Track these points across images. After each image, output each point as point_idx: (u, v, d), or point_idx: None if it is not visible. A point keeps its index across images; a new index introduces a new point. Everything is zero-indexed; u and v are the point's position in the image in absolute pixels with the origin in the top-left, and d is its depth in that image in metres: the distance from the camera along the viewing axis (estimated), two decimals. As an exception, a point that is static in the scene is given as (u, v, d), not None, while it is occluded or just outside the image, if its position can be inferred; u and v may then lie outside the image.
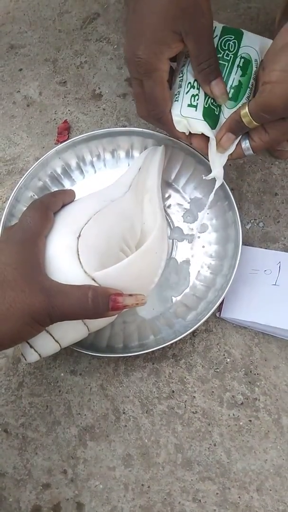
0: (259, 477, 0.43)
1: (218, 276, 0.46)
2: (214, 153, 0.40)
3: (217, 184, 0.42)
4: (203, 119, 0.39)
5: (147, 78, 0.38)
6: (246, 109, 0.36)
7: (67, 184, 0.51)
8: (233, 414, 0.44)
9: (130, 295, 0.35)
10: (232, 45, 0.39)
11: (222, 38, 0.39)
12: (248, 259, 0.48)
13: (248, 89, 0.39)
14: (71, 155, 0.51)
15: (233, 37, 0.40)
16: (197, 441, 0.44)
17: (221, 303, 0.47)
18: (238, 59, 0.39)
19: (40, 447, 0.45)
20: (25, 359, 0.37)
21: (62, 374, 0.47)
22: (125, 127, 0.56)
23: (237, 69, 0.39)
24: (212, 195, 0.43)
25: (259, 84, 0.38)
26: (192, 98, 0.39)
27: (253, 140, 0.38)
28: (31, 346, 0.37)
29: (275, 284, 0.46)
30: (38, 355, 0.37)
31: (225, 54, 0.39)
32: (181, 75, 0.40)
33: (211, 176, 0.41)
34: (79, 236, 0.37)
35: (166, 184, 0.50)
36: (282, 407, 0.44)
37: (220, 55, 0.39)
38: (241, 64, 0.39)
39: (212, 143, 0.40)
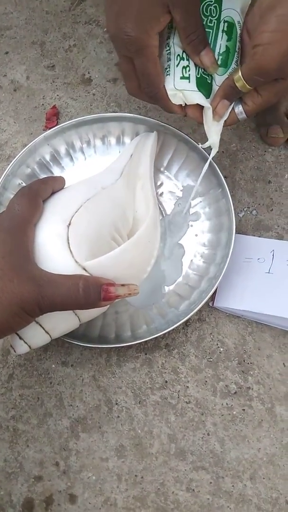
0: (252, 466, 0.43)
1: (211, 265, 0.46)
2: (210, 122, 0.40)
3: (213, 153, 0.42)
4: (197, 89, 0.39)
5: (139, 55, 0.37)
6: (239, 74, 0.36)
7: (56, 171, 0.50)
8: (227, 404, 0.44)
9: (123, 285, 0.34)
10: (213, 10, 0.38)
11: (203, 3, 0.38)
12: (242, 248, 0.47)
13: (236, 53, 0.39)
14: (60, 141, 0.49)
15: (213, 1, 0.38)
16: (190, 431, 0.44)
17: (214, 293, 0.46)
18: (221, 24, 0.38)
19: (31, 439, 0.44)
20: (15, 351, 0.36)
21: (53, 366, 0.46)
22: (115, 112, 0.54)
23: (222, 34, 0.38)
24: (207, 164, 0.43)
25: (245, 46, 0.38)
26: (184, 70, 0.39)
27: (246, 104, 0.38)
28: (20, 338, 0.36)
29: (268, 272, 0.46)
30: (28, 347, 0.36)
31: (208, 20, 0.38)
32: (167, 48, 0.39)
33: (207, 144, 0.41)
34: (70, 224, 0.36)
35: (158, 171, 0.49)
36: (276, 396, 0.44)
37: (204, 22, 0.38)
38: (225, 29, 0.38)
39: (208, 112, 0.39)
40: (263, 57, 0.33)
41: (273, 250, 0.47)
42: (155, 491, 0.42)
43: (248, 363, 0.45)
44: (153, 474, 0.43)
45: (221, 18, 0.38)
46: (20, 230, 0.34)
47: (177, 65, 0.39)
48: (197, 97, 0.39)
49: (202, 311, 0.47)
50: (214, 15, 0.38)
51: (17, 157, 0.48)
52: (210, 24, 0.38)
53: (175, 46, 0.39)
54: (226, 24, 0.38)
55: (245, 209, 0.50)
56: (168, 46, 0.39)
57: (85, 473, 0.43)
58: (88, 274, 0.35)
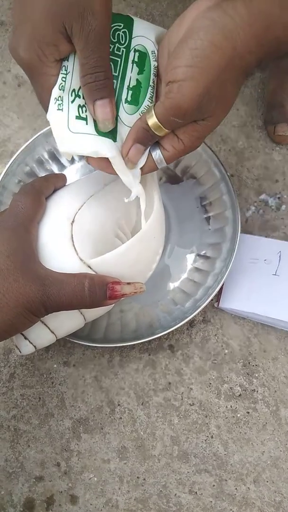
0: (256, 469, 0.42)
1: (217, 260, 0.45)
2: (124, 170, 0.33)
3: (142, 201, 0.35)
4: (97, 133, 0.31)
5: (33, 81, 0.31)
6: (153, 114, 0.30)
7: (55, 169, 0.49)
8: (231, 406, 0.44)
9: (128, 283, 0.34)
10: (122, 35, 0.32)
11: (111, 27, 0.32)
12: (248, 248, 0.46)
13: (150, 87, 0.32)
14: None
15: (122, 25, 0.32)
16: (193, 433, 0.43)
17: (220, 293, 0.45)
18: (131, 53, 0.32)
19: (32, 439, 0.44)
20: (20, 351, 0.36)
21: (55, 365, 0.45)
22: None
23: (133, 66, 0.32)
24: (142, 211, 0.36)
25: (161, 83, 0.33)
26: (80, 108, 0.31)
27: (165, 149, 0.32)
28: (25, 338, 0.35)
29: (275, 274, 0.45)
30: (33, 347, 0.35)
31: (116, 48, 0.32)
32: (64, 71, 0.31)
33: (133, 195, 0.34)
34: (73, 221, 0.35)
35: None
36: (281, 398, 0.44)
37: (111, 50, 0.32)
38: (136, 59, 0.32)
39: (117, 161, 0.32)
40: (179, 95, 0.28)
41: (280, 252, 0.46)
42: (157, 493, 0.42)
43: (253, 365, 0.45)
44: (155, 476, 0.42)
45: (132, 45, 0.32)
46: (24, 228, 0.33)
47: (72, 101, 0.31)
48: (97, 145, 0.31)
49: (207, 312, 0.46)
50: (123, 41, 0.32)
51: (14, 156, 0.47)
52: (117, 53, 0.32)
53: (74, 74, 0.31)
54: (137, 53, 0.32)
55: (251, 208, 0.50)
56: (66, 70, 0.31)
57: (87, 474, 0.43)
58: (93, 272, 0.34)
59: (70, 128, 0.31)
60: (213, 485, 0.42)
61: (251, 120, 0.53)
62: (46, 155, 0.49)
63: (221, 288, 0.45)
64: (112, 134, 0.32)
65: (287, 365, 0.44)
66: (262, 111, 0.53)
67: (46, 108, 0.32)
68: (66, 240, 0.34)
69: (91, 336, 0.44)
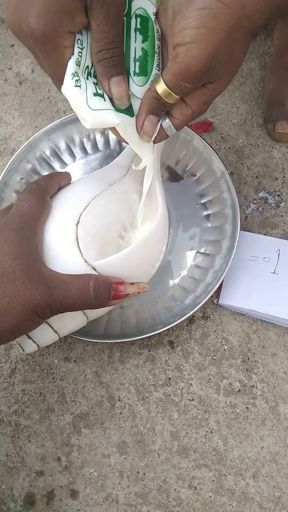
0: (255, 464, 0.42)
1: (217, 257, 0.45)
2: (138, 141, 0.33)
3: (149, 173, 0.35)
4: (114, 109, 0.31)
5: (44, 55, 0.29)
6: (162, 82, 0.29)
7: (57, 166, 0.49)
8: (230, 402, 0.44)
9: (132, 283, 0.34)
10: None
11: None
12: (247, 245, 0.47)
13: (156, 54, 0.31)
14: (60, 136, 0.49)
15: None
16: (193, 428, 0.43)
17: (219, 290, 0.46)
18: (133, 21, 0.30)
19: (33, 434, 0.44)
20: (23, 350, 0.36)
21: (56, 361, 0.46)
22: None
23: (136, 34, 0.30)
24: (147, 185, 0.36)
25: (166, 46, 0.31)
26: (95, 85, 0.30)
27: (174, 117, 0.32)
28: (29, 337, 0.35)
29: (274, 272, 0.45)
30: (36, 346, 0.36)
31: None
32: (80, 45, 0.29)
33: (142, 165, 0.35)
34: (78, 222, 0.35)
35: (163, 166, 0.48)
36: (280, 394, 0.44)
37: None
38: (138, 26, 0.30)
39: (132, 130, 0.32)
40: (188, 58, 0.28)
41: (279, 250, 0.46)
42: (157, 488, 0.42)
43: (252, 361, 0.45)
44: (155, 471, 0.42)
45: (132, 12, 0.30)
46: (30, 229, 0.33)
47: (86, 78, 0.30)
48: (115, 117, 0.31)
49: (207, 308, 0.47)
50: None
51: (16, 153, 0.47)
52: None
53: (88, 51, 0.29)
54: (139, 19, 0.30)
55: (251, 205, 0.50)
56: (81, 44, 0.29)
57: (87, 469, 0.43)
58: (97, 273, 0.34)
59: (89, 105, 0.30)
60: (213, 480, 0.42)
61: (251, 118, 0.53)
62: (47, 152, 0.49)
63: (221, 285, 0.45)
64: (128, 110, 0.31)
65: (286, 361, 0.45)
66: (262, 109, 0.53)
67: (60, 82, 0.30)
68: (71, 242, 0.34)
69: (91, 332, 0.44)
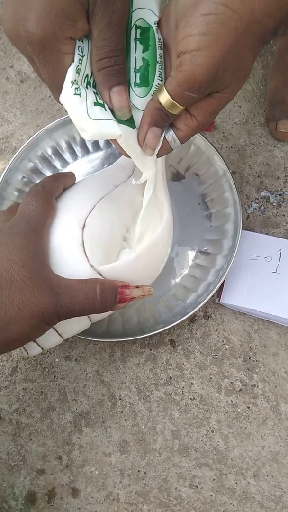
0: (256, 463, 0.42)
1: (218, 256, 0.45)
2: (140, 154, 0.31)
3: (150, 187, 0.34)
4: (114, 119, 0.29)
5: (42, 60, 0.27)
6: (165, 92, 0.28)
7: (58, 165, 0.49)
8: (231, 401, 0.44)
9: (137, 287, 0.34)
10: None
11: None
12: (249, 245, 0.47)
13: (157, 64, 0.30)
14: (61, 134, 0.49)
15: None
16: (194, 427, 0.43)
17: (221, 289, 0.46)
18: (133, 31, 0.30)
19: (34, 433, 0.44)
20: (27, 353, 0.36)
21: (57, 360, 0.46)
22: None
23: (136, 44, 0.30)
24: (146, 199, 0.35)
25: (169, 54, 0.30)
26: (96, 95, 0.29)
27: (179, 129, 0.30)
28: (34, 341, 0.35)
29: (275, 272, 0.45)
30: (40, 349, 0.36)
31: None
32: (81, 52, 0.28)
33: (143, 179, 0.33)
34: (84, 226, 0.35)
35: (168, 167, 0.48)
36: (281, 394, 0.44)
37: None
38: (138, 36, 0.30)
39: (134, 143, 0.31)
40: (192, 66, 0.26)
41: (281, 250, 0.46)
42: (157, 487, 0.42)
43: (254, 361, 0.45)
44: (156, 470, 0.43)
45: (132, 22, 0.30)
46: (36, 233, 0.32)
47: (86, 87, 0.29)
48: (118, 129, 0.29)
49: (208, 308, 0.47)
50: None
51: (18, 151, 0.47)
52: None
53: (88, 59, 0.28)
54: (139, 30, 0.30)
55: (253, 205, 0.50)
56: (82, 52, 0.28)
57: (88, 467, 0.43)
58: (102, 278, 0.34)
59: (90, 115, 0.29)
60: (213, 479, 0.42)
61: (253, 117, 0.53)
62: (49, 151, 0.49)
63: (222, 284, 0.45)
64: (130, 122, 0.30)
65: (287, 360, 0.45)
66: (264, 108, 0.53)
67: (58, 91, 0.29)
68: (77, 246, 0.34)
69: (93, 331, 0.44)
